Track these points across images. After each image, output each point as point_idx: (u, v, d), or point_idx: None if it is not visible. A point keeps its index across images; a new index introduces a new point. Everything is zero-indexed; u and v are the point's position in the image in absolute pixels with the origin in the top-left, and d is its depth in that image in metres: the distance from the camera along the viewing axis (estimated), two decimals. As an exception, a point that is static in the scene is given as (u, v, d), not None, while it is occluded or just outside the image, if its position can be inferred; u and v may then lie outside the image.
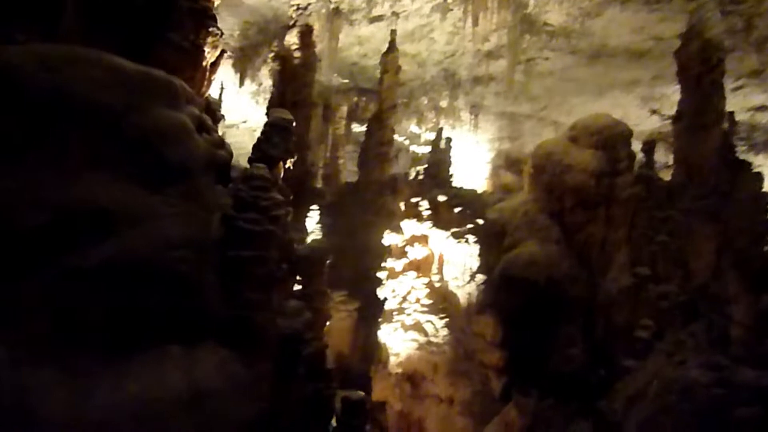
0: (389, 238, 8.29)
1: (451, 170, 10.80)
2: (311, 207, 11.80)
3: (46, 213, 2.65)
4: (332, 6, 15.90)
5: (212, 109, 4.39)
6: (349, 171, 16.52)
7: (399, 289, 8.11)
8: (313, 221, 11.41)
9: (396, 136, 18.24)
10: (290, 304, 3.59)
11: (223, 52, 4.28)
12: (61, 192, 2.72)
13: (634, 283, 8.29)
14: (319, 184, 16.47)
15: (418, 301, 7.99)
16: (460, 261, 8.08)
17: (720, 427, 5.08)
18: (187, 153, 3.23)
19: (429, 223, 8.04)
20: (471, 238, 8.03)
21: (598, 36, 13.05)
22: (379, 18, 15.79)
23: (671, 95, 14.18)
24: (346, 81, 17.51)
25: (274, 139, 4.09)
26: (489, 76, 15.90)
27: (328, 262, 4.26)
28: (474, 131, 17.27)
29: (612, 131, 8.87)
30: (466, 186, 13.70)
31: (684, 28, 11.28)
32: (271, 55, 13.77)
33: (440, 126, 15.43)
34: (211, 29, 4.03)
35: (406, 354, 7.92)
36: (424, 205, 8.19)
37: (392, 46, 12.71)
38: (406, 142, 18.23)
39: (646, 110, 15.40)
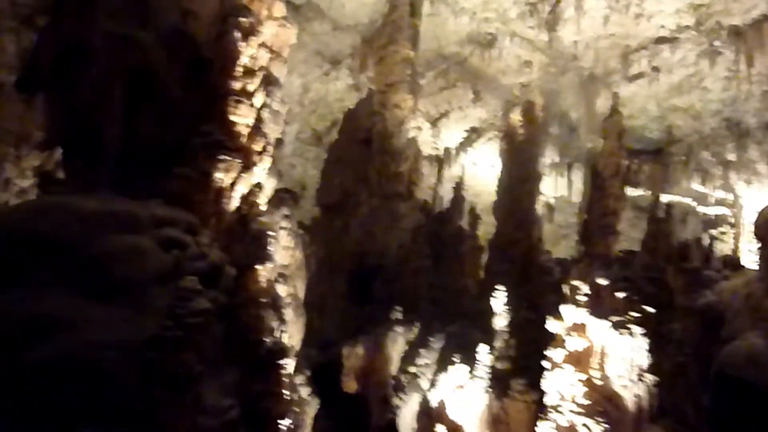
0: (551, 325, 7.54)
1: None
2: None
3: (8, 321, 3.80)
4: (586, 73, 15.41)
5: (244, 222, 5.15)
6: (630, 238, 15.11)
7: (556, 384, 7.24)
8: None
9: (679, 198, 16.08)
10: (221, 403, 3.96)
11: (243, 171, 5.05)
12: (22, 305, 3.84)
13: None
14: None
15: (573, 399, 6.99)
16: (626, 356, 6.82)
17: None
18: (134, 269, 4.06)
19: (585, 310, 7.06)
20: (638, 329, 6.73)
21: None
22: (638, 76, 14.71)
23: None
24: (613, 144, 16.34)
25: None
26: (786, 119, 12.97)
27: (283, 361, 4.42)
28: (775, 186, 13.97)
29: None
30: None
31: None
32: (500, 134, 14.01)
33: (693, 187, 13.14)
34: (221, 157, 4.87)
35: (560, 461, 6.95)
36: (584, 289, 7.23)
37: (614, 109, 11.65)
38: (693, 204, 15.85)
39: None
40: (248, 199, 5.22)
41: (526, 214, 12.03)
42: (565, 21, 13.57)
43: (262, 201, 5.48)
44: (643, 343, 6.71)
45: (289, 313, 7.36)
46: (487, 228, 15.14)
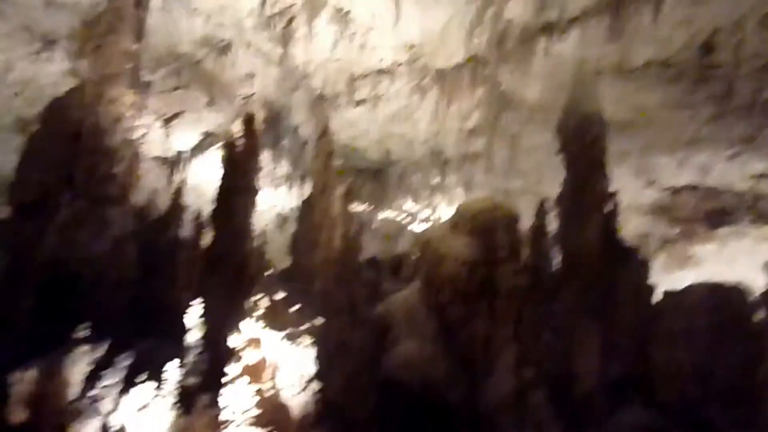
0: (232, 340, 7.54)
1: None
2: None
3: None
4: (316, 92, 15.99)
5: None
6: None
7: (233, 398, 7.25)
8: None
9: (393, 215, 17.58)
10: None
11: None
12: None
13: (518, 389, 6.90)
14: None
15: (246, 411, 7.08)
16: (295, 366, 7.12)
17: None
18: None
19: (262, 324, 7.23)
20: (306, 340, 7.09)
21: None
22: (362, 102, 15.64)
23: (666, 165, 12.84)
24: (342, 162, 17.18)
25: None
26: (475, 153, 15.02)
27: None
28: (470, 209, 16.25)
29: (489, 216, 7.70)
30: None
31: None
32: (221, 143, 13.89)
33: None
34: None
35: (228, 474, 6.97)
36: (263, 303, 7.40)
37: (323, 132, 12.39)
38: (406, 221, 17.53)
39: (643, 182, 13.73)
40: None
41: (241, 226, 11.95)
42: (298, 40, 13.94)
43: None
44: (311, 354, 7.05)
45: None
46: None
